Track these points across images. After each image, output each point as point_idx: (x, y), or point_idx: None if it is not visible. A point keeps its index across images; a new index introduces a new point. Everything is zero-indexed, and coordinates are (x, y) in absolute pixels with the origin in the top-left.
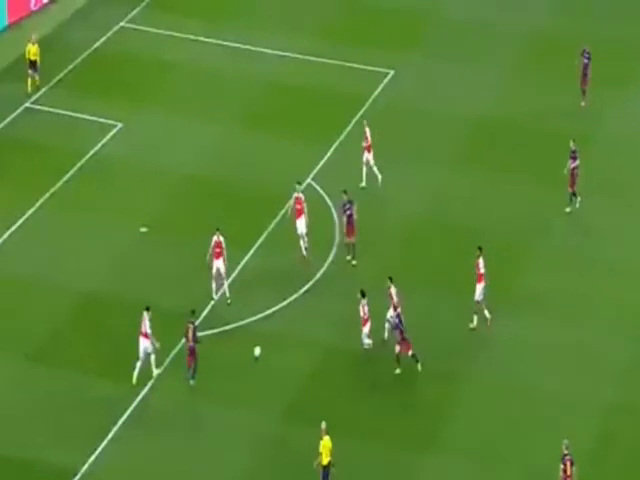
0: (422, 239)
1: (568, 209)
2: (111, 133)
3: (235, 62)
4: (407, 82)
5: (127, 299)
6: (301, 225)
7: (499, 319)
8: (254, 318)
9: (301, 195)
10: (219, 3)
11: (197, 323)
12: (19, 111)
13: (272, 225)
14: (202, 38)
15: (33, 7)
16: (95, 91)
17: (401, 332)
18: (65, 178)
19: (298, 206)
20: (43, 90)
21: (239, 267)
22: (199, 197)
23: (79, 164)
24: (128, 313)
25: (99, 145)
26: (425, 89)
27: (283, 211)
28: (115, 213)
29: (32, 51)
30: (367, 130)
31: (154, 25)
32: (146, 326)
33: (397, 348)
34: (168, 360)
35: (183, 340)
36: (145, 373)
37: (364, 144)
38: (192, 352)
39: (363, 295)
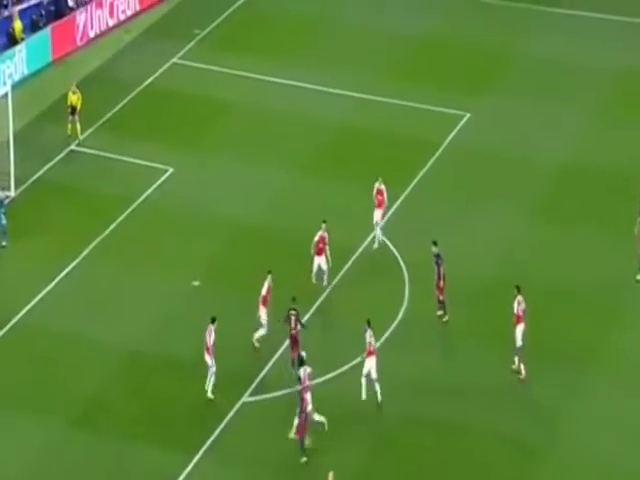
0: (494, 296)
1: (638, 276)
2: (161, 178)
3: (297, 102)
4: (483, 125)
5: (177, 360)
6: (322, 262)
7: (577, 384)
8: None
9: (325, 234)
10: (279, 38)
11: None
12: (63, 154)
13: (337, 278)
14: (260, 76)
15: (79, 42)
16: (144, 133)
17: None
18: (112, 227)
19: (321, 245)
20: (88, 132)
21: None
22: (257, 248)
23: (127, 212)
24: (178, 374)
25: (148, 191)
26: (502, 133)
27: (348, 265)
28: (165, 265)
29: (72, 100)
30: (382, 186)
31: (209, 62)
32: (209, 340)
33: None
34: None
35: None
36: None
37: (376, 200)
38: (295, 340)
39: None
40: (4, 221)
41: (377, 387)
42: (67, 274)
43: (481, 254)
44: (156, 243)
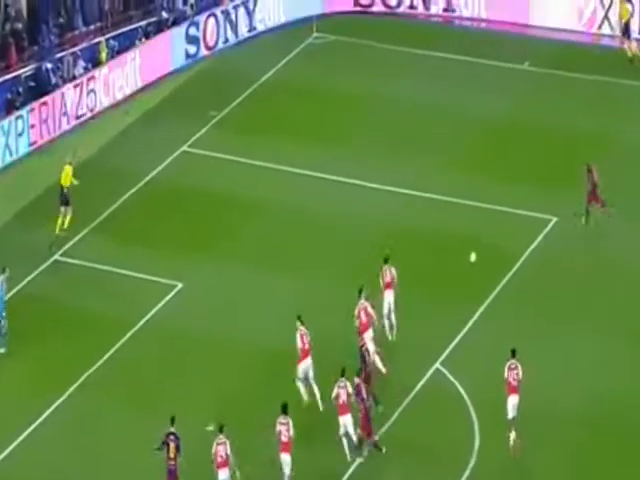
0: (572, 434)
1: None
2: (168, 296)
3: (336, 200)
4: (574, 231)
5: None
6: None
7: None
8: None
9: (305, 331)
10: (312, 121)
11: None
12: (47, 264)
13: (394, 416)
14: (290, 168)
15: (66, 126)
16: (147, 238)
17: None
18: (106, 356)
19: (301, 345)
20: (78, 236)
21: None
22: (284, 379)
23: (125, 337)
24: None
25: (152, 312)
26: (598, 240)
27: (405, 403)
28: (172, 402)
29: (68, 176)
30: (392, 271)
31: (226, 150)
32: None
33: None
34: None
35: None
36: None
37: (386, 280)
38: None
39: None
40: (3, 320)
41: None
42: (48, 417)
43: (560, 388)
44: (162, 374)
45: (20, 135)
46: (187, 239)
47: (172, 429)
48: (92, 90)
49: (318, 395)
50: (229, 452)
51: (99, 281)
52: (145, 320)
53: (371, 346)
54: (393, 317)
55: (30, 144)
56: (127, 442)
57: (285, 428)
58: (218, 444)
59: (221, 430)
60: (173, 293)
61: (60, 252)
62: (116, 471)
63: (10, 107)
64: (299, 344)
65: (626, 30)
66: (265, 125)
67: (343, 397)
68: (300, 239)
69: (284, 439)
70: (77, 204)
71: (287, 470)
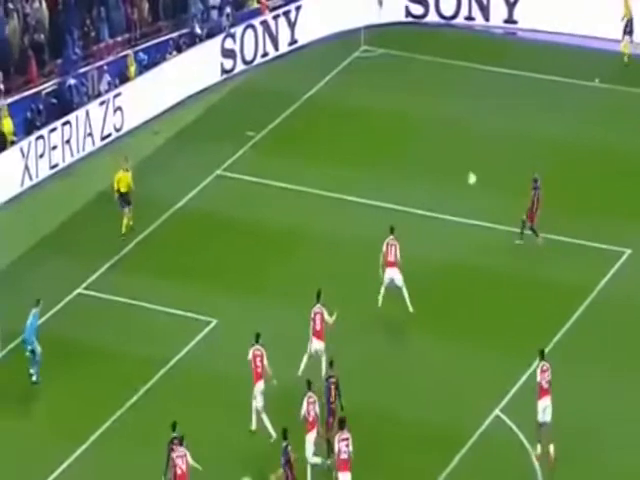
0: None
1: None
2: (202, 333)
3: (380, 229)
4: None
5: None
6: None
7: None
8: None
9: (260, 352)
10: (355, 144)
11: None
12: (68, 299)
13: (451, 465)
14: (331, 193)
15: (92, 146)
16: (179, 271)
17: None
18: (137, 396)
19: (258, 368)
20: (101, 270)
21: None
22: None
23: (155, 378)
24: None
25: (185, 350)
26: None
27: (463, 452)
28: (205, 449)
29: (125, 181)
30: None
31: (265, 174)
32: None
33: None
34: None
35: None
36: None
37: (389, 259)
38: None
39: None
40: (38, 347)
41: None
42: (69, 466)
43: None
44: (191, 420)
45: (41, 157)
46: (222, 271)
47: (174, 434)
48: (119, 108)
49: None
50: None
51: (126, 316)
52: (177, 359)
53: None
54: (405, 291)
55: (51, 167)
56: None
57: (345, 444)
58: None
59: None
60: (207, 330)
61: (84, 285)
62: None
63: (30, 127)
64: (255, 366)
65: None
66: (307, 147)
67: (312, 414)
68: (347, 272)
69: (344, 456)
70: (103, 233)
71: None
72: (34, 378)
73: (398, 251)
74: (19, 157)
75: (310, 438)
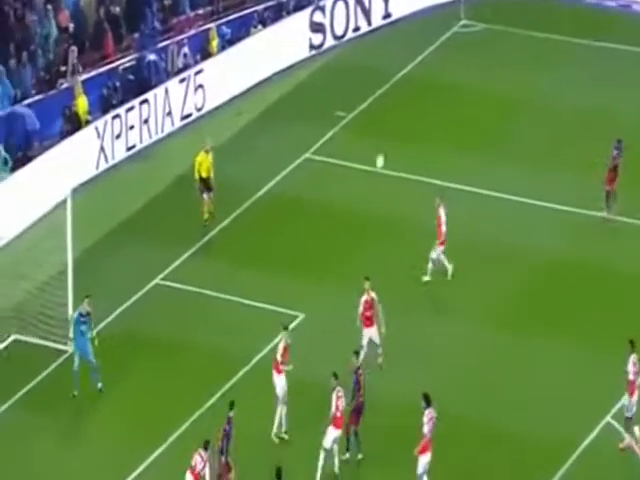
0: None
1: None
2: (290, 326)
3: (481, 216)
4: None
5: None
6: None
7: None
8: None
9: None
10: (453, 125)
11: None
12: (145, 290)
13: (561, 472)
14: (426, 179)
15: (171, 127)
16: (263, 261)
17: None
18: (216, 397)
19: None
20: (181, 258)
21: None
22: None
23: (239, 374)
24: None
25: (269, 347)
26: None
27: (572, 459)
28: (289, 455)
29: (206, 165)
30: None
31: (354, 157)
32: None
33: None
34: None
35: None
36: None
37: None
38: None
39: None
40: (92, 357)
41: None
42: (143, 473)
43: None
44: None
45: (117, 138)
46: (310, 260)
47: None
48: (200, 86)
49: None
50: None
51: (205, 309)
52: (259, 357)
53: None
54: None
55: (128, 148)
56: None
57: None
58: None
59: None
60: (293, 325)
61: (162, 275)
62: None
63: (106, 105)
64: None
65: None
66: (402, 128)
67: (341, 409)
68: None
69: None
70: (183, 219)
71: None
72: (99, 385)
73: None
74: (94, 137)
75: (334, 433)
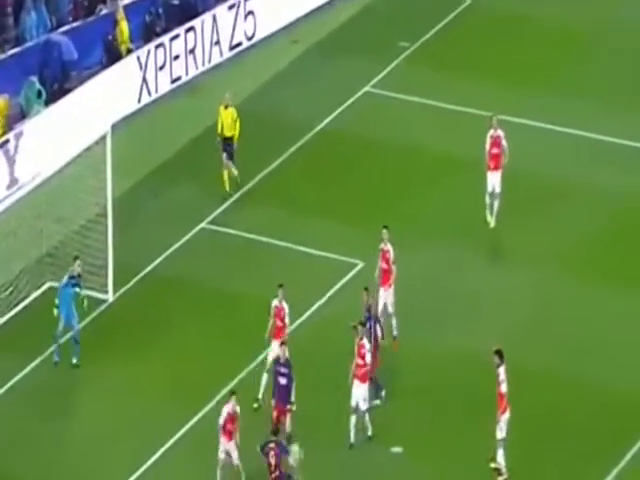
0: None
1: None
2: (346, 277)
3: (540, 151)
4: None
5: None
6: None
7: None
8: None
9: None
10: (517, 58)
11: None
12: (191, 233)
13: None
14: (489, 113)
15: (219, 57)
16: (318, 204)
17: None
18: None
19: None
20: (230, 201)
21: None
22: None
23: (293, 325)
24: None
25: (326, 296)
26: None
27: None
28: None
29: (227, 121)
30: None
31: (418, 91)
32: None
33: None
34: None
35: None
36: None
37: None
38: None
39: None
40: (76, 323)
41: None
42: (190, 430)
43: None
44: (335, 373)
45: (161, 69)
46: (369, 205)
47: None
48: (251, 12)
49: None
50: None
51: (256, 256)
52: (315, 308)
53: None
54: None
55: (173, 81)
56: None
57: None
58: None
59: None
60: (352, 274)
61: (209, 218)
62: None
63: (148, 33)
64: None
65: None
66: (467, 60)
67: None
68: (506, 208)
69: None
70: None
71: None
72: (73, 360)
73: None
74: (136, 68)
75: (364, 387)
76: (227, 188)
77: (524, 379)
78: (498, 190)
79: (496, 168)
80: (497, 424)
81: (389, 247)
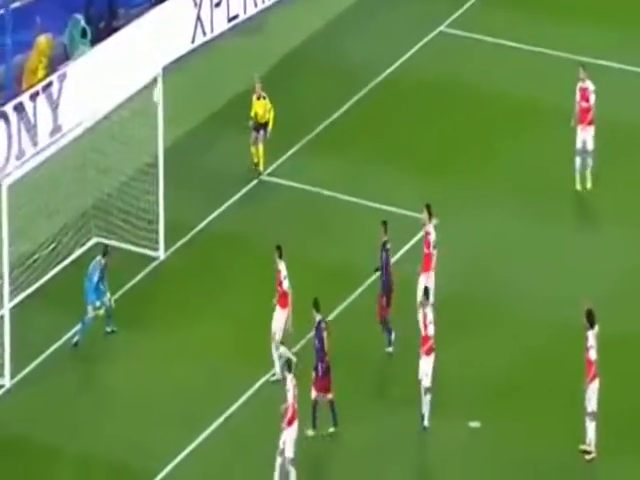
0: None
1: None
2: (414, 238)
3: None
4: None
5: None
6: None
7: None
8: None
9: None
10: None
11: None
12: (246, 189)
13: None
14: (576, 56)
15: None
16: (385, 156)
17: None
18: (332, 315)
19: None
20: (290, 151)
21: None
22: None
23: (359, 290)
24: None
25: (397, 255)
26: None
27: None
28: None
29: (260, 111)
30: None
31: (497, 32)
32: None
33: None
34: None
35: None
36: None
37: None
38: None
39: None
40: (108, 299)
41: None
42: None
43: None
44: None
45: (217, 6)
46: (442, 155)
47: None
48: None
49: None
50: None
51: (321, 212)
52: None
53: None
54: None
55: (230, 19)
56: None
57: None
58: None
59: None
60: (419, 236)
61: (267, 171)
62: None
63: None
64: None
65: None
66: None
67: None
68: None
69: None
70: (293, 104)
71: None
72: (107, 329)
73: None
74: (190, 5)
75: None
76: (260, 167)
77: (615, 347)
78: (590, 147)
79: (587, 122)
80: (584, 393)
81: (431, 230)
